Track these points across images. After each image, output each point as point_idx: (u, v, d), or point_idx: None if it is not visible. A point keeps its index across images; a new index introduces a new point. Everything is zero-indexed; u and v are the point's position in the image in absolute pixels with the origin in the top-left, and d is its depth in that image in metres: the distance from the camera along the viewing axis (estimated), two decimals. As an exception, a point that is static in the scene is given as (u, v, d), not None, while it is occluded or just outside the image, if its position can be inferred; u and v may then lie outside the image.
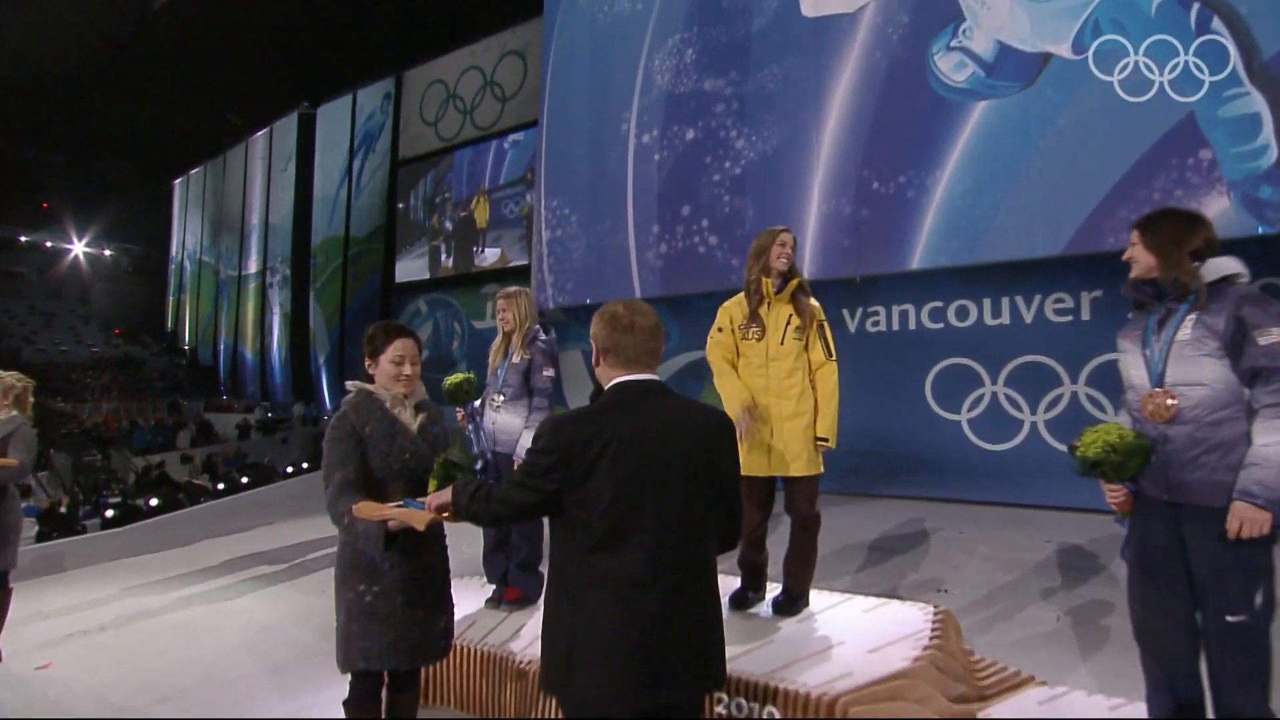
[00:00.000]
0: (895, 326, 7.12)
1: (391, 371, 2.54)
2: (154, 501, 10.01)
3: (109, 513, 9.58)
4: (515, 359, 3.83)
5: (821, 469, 3.23)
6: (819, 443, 3.17)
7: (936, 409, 6.86)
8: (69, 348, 30.80)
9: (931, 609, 3.17)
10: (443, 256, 14.05)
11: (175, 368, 29.71)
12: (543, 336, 3.89)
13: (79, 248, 35.85)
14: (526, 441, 3.62)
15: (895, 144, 6.56)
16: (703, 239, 7.92)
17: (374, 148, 17.09)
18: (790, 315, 3.21)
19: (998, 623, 3.79)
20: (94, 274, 35.90)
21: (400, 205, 15.51)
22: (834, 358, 3.22)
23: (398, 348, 2.55)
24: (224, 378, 24.70)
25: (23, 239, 35.25)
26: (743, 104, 7.70)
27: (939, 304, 6.88)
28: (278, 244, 21.22)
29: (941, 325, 6.86)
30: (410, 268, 14.89)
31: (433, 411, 2.66)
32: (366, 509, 2.33)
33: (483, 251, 13.15)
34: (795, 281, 3.21)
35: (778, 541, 3.43)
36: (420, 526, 2.22)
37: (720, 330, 3.29)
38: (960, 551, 5.01)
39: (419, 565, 2.53)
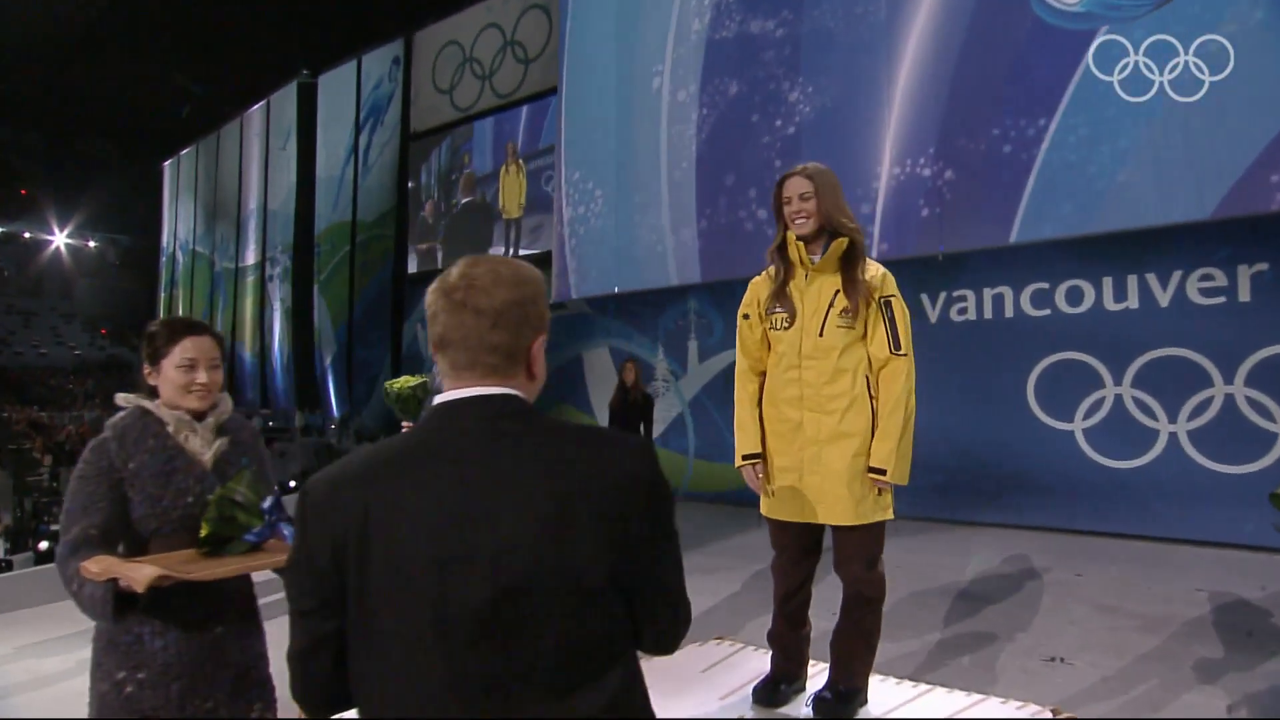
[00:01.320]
0: (988, 314, 7.07)
1: (178, 381, 2.26)
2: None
3: (43, 544, 9.20)
4: None
5: (887, 514, 2.73)
6: (874, 477, 2.66)
7: (1042, 416, 6.75)
8: (48, 350, 31.47)
9: (1049, 716, 2.65)
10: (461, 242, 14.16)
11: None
12: None
13: (60, 239, 36.70)
14: None
15: (988, 87, 6.39)
16: (749, 213, 7.88)
17: (382, 120, 17.18)
18: (836, 292, 2.72)
19: (1142, 710, 3.27)
20: (77, 268, 36.77)
21: (412, 184, 15.63)
22: (906, 352, 2.72)
23: (186, 348, 2.26)
24: (220, 382, 25.25)
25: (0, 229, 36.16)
26: (796, 49, 7.67)
27: (1044, 285, 6.77)
28: (277, 231, 21.42)
29: (1048, 312, 6.75)
30: (425, 256, 14.97)
31: (242, 434, 2.39)
32: (101, 564, 1.98)
33: (513, 235, 13.00)
34: (841, 242, 2.72)
35: (826, 602, 2.98)
36: (139, 586, 1.90)
37: (746, 317, 2.88)
38: (1080, 602, 4.64)
39: (206, 638, 2.22)
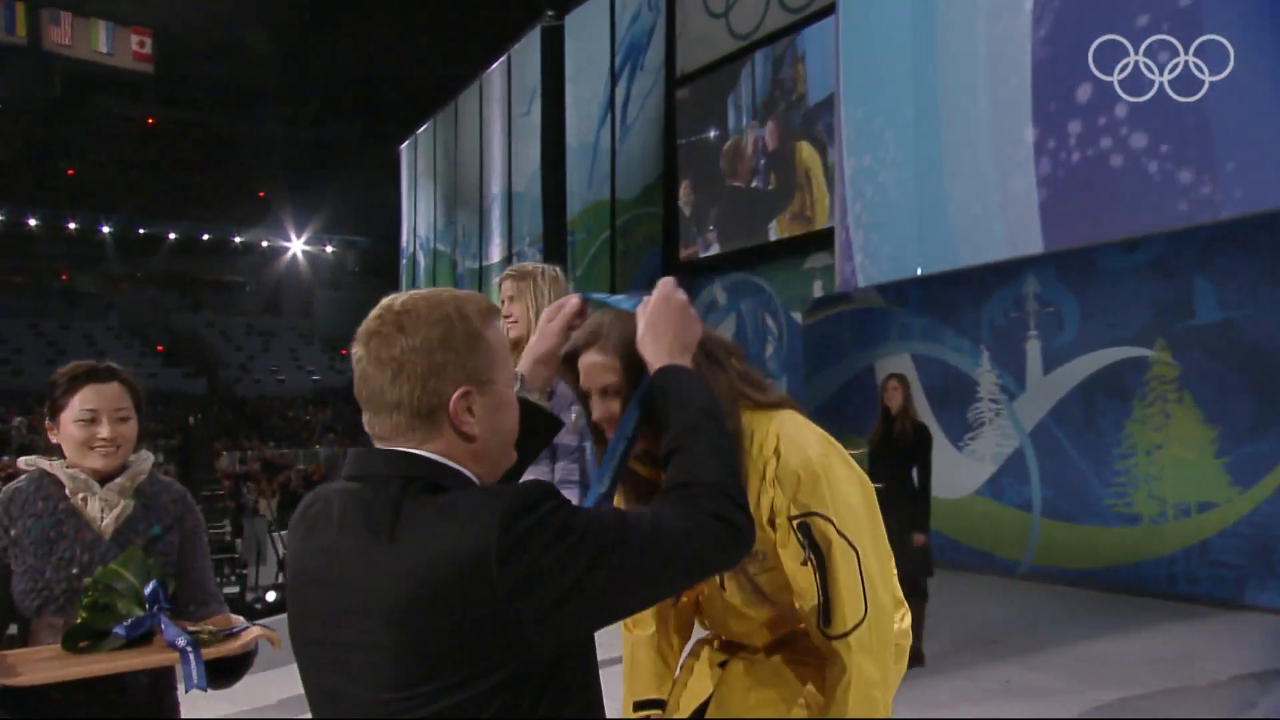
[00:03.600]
0: None
1: (78, 436, 2.52)
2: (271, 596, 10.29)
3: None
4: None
5: None
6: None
7: None
8: (287, 377, 34.74)
9: None
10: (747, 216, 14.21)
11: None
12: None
13: (297, 245, 41.11)
14: None
15: None
16: (1118, 140, 7.02)
17: (642, 64, 17.58)
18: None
19: None
20: (315, 277, 40.34)
21: (682, 143, 15.90)
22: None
23: (86, 398, 2.52)
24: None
25: (237, 239, 40.41)
26: None
27: None
28: (524, 219, 22.43)
29: None
30: (701, 237, 15.27)
31: (162, 497, 2.66)
32: None
33: (804, 200, 12.93)
34: None
35: None
36: None
37: None
38: None
39: None
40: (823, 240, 12.48)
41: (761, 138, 13.82)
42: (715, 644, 2.63)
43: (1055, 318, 9.22)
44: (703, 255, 15.14)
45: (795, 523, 2.33)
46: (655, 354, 1.94)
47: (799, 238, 13.09)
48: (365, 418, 1.60)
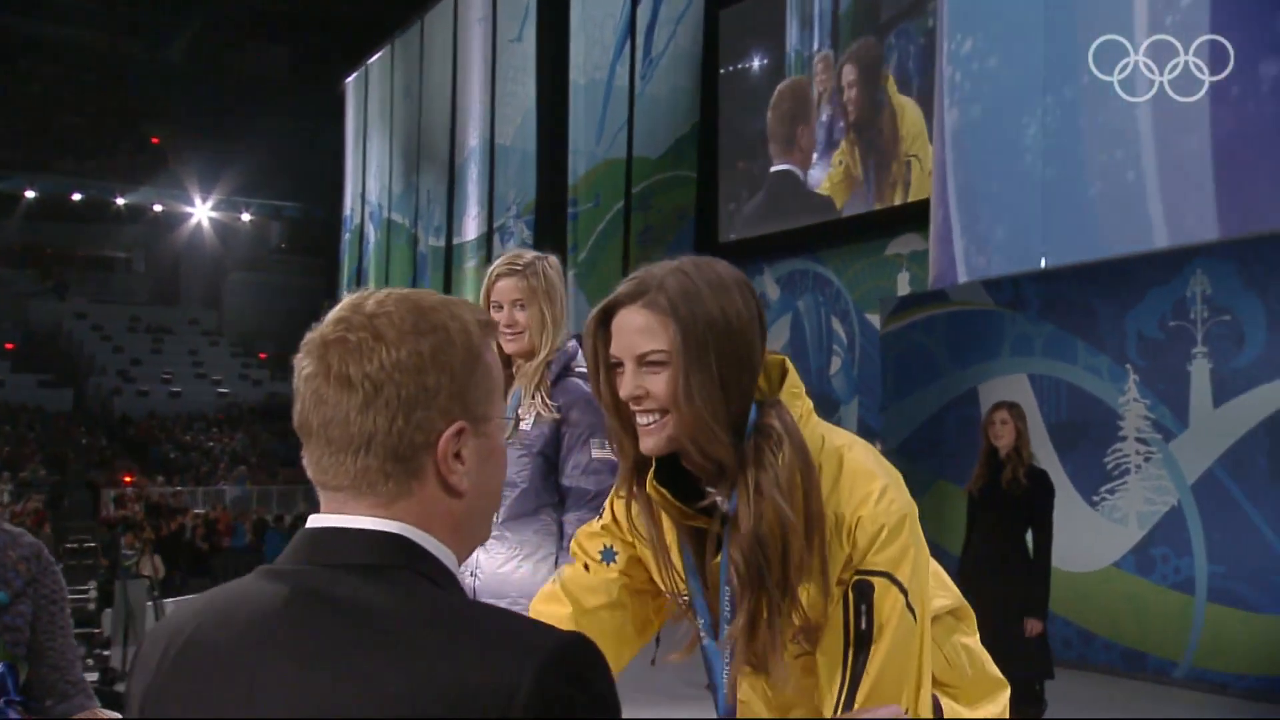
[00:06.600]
0: None
1: None
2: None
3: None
4: (527, 419, 4.09)
5: None
6: None
7: None
8: (184, 388, 34.72)
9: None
10: (809, 182, 14.42)
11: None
12: (584, 366, 3.99)
13: (203, 211, 41.00)
14: None
15: None
16: None
17: None
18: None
19: None
20: (226, 255, 40.32)
21: (725, 80, 16.20)
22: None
23: None
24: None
25: (120, 201, 40.34)
26: None
27: None
28: (510, 182, 22.60)
29: None
30: (747, 214, 15.44)
31: (8, 554, 2.74)
32: None
33: (889, 163, 13.08)
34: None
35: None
36: None
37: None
38: None
39: None
40: (913, 218, 12.61)
41: (837, 73, 13.94)
42: None
43: (1232, 330, 9.18)
44: (746, 236, 15.29)
45: (853, 582, 2.43)
46: None
47: (880, 214, 13.22)
48: (312, 457, 1.57)
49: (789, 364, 2.53)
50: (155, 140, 39.18)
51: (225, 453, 29.46)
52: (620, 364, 2.48)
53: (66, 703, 2.66)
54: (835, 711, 2.42)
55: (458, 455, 1.54)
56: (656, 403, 2.43)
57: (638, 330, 2.43)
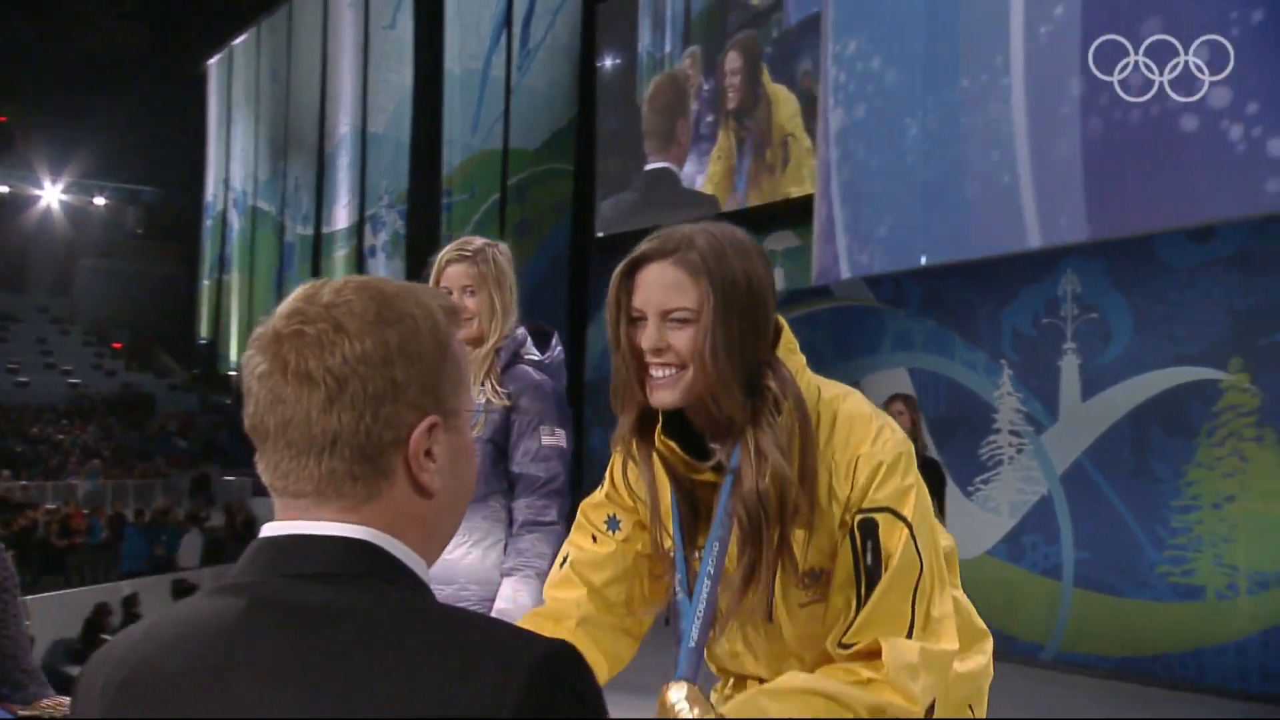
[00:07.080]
0: None
1: None
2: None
3: None
4: (483, 404, 4.06)
5: None
6: None
7: None
8: (32, 379, 33.89)
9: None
10: (685, 179, 14.45)
11: (211, 411, 31.41)
12: (533, 354, 4.21)
13: (52, 194, 39.68)
14: (509, 606, 3.85)
15: None
16: (1188, 93, 7.22)
17: None
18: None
19: None
20: (78, 240, 39.25)
21: (603, 73, 16.28)
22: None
23: None
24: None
25: (-41, 183, 38.96)
26: None
27: None
28: (383, 171, 22.57)
29: None
30: (625, 205, 15.39)
31: None
32: None
33: (769, 157, 13.07)
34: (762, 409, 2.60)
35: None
36: None
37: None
38: None
39: None
40: (794, 214, 12.51)
41: (717, 66, 13.93)
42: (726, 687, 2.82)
43: (1100, 327, 9.34)
44: (621, 230, 15.16)
45: (857, 521, 2.52)
46: None
47: (759, 209, 13.15)
48: (268, 461, 1.48)
49: (783, 320, 2.60)
50: (2, 119, 38.09)
51: (76, 446, 28.68)
52: (642, 316, 2.55)
53: (21, 691, 2.61)
54: (832, 646, 2.50)
55: (429, 453, 1.48)
56: (677, 357, 2.50)
57: (667, 286, 2.51)
